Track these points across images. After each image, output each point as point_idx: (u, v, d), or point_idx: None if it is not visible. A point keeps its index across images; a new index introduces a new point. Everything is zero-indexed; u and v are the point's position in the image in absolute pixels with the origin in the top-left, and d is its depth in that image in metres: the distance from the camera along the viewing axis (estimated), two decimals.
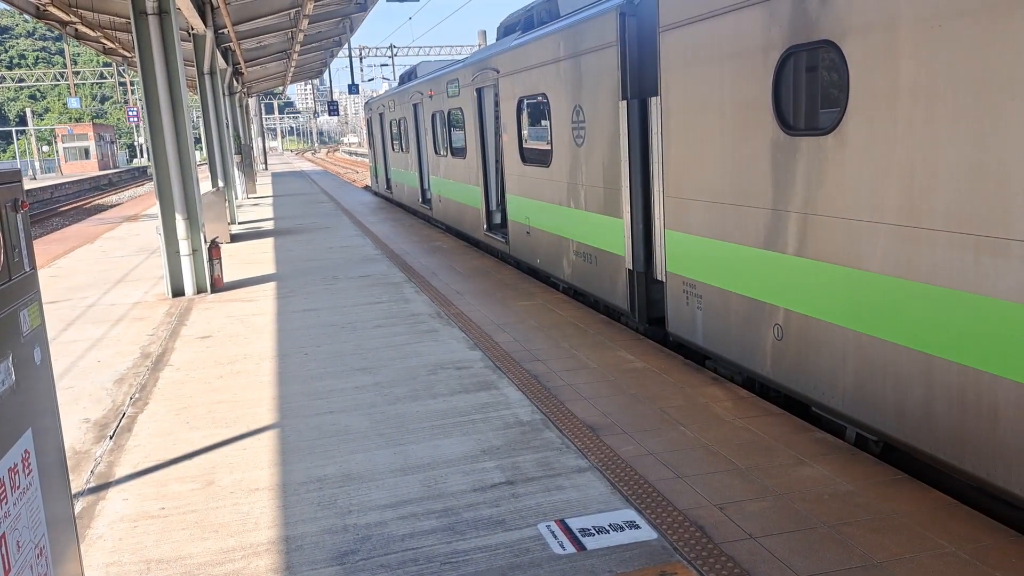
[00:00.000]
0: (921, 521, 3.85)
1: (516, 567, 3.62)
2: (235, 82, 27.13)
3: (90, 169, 70.47)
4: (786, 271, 5.23)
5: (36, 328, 3.04)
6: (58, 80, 77.06)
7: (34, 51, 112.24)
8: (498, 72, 11.08)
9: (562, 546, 3.77)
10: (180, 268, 10.59)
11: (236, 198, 23.44)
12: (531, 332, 7.74)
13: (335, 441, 5.25)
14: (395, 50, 63.17)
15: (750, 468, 4.53)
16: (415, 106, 17.64)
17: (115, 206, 34.11)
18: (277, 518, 4.23)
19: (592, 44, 7.88)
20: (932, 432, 4.15)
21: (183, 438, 5.52)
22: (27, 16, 15.39)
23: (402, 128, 19.62)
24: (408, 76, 20.11)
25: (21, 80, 79.72)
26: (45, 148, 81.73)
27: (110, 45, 19.93)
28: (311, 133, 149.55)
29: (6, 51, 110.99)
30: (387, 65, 65.19)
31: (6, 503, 2.63)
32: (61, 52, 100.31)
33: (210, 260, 10.72)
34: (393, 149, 21.66)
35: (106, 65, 73.25)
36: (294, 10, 19.29)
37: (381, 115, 22.92)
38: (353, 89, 51.65)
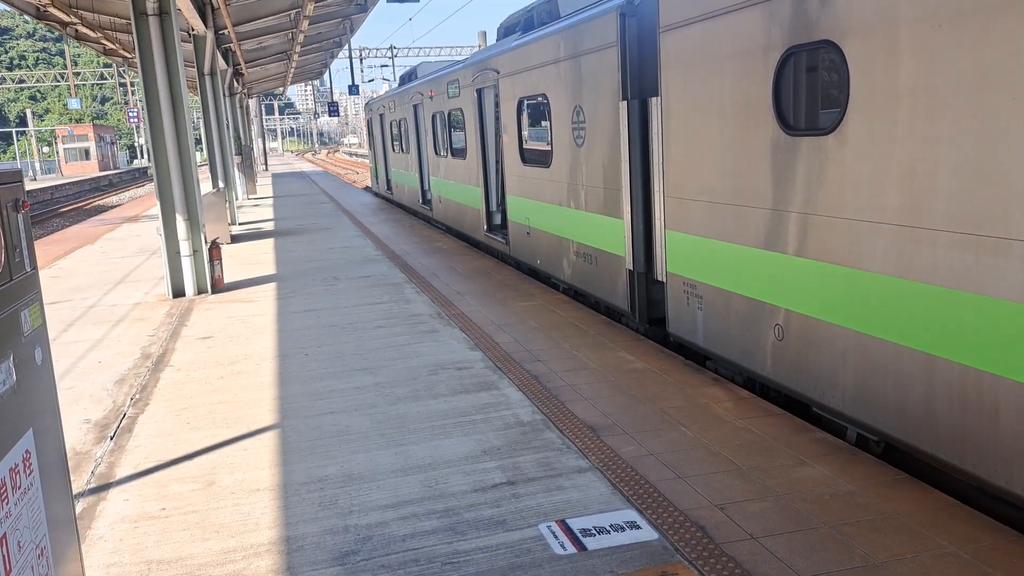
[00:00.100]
0: (922, 521, 3.85)
1: (517, 567, 3.62)
2: (235, 83, 27.15)
3: (90, 170, 70.47)
4: (787, 271, 5.23)
5: (37, 328, 3.05)
6: (58, 81, 77.10)
7: (34, 52, 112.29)
8: (498, 73, 11.08)
9: (563, 546, 3.77)
10: (181, 269, 10.59)
11: (236, 199, 23.45)
12: (531, 333, 7.74)
13: (336, 441, 5.25)
14: (395, 51, 63.22)
15: (751, 468, 4.53)
16: (415, 107, 17.65)
17: (115, 207, 34.12)
18: (278, 519, 4.23)
19: (592, 44, 7.88)
20: (933, 432, 4.15)
21: (184, 439, 5.52)
22: (27, 17, 15.41)
23: (402, 129, 19.63)
24: (408, 77, 20.11)
25: (21, 81, 79.76)
26: (45, 149, 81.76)
27: (110, 46, 19.94)
28: (311, 134, 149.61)
29: (6, 52, 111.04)
30: (387, 66, 65.17)
31: (7, 503, 2.63)
32: (61, 53, 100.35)
33: (211, 261, 10.72)
34: (393, 150, 21.66)
35: (106, 66, 73.28)
36: (294, 11, 19.30)
37: (381, 116, 22.92)
38: (353, 90, 51.66)
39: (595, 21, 7.79)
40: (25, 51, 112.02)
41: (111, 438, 5.62)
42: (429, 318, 8.55)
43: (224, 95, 21.81)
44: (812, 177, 4.88)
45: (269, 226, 18.61)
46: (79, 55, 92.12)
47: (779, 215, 5.24)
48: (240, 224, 19.43)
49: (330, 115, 58.05)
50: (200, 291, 10.70)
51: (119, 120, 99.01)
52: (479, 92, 12.42)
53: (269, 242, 15.70)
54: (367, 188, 32.61)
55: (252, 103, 46.49)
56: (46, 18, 15.62)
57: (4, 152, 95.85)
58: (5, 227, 2.83)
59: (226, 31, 19.01)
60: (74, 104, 61.67)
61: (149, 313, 9.77)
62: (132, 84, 70.37)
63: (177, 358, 7.62)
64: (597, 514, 4.07)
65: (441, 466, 4.77)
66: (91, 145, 72.59)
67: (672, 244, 6.73)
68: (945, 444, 4.08)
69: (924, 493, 4.13)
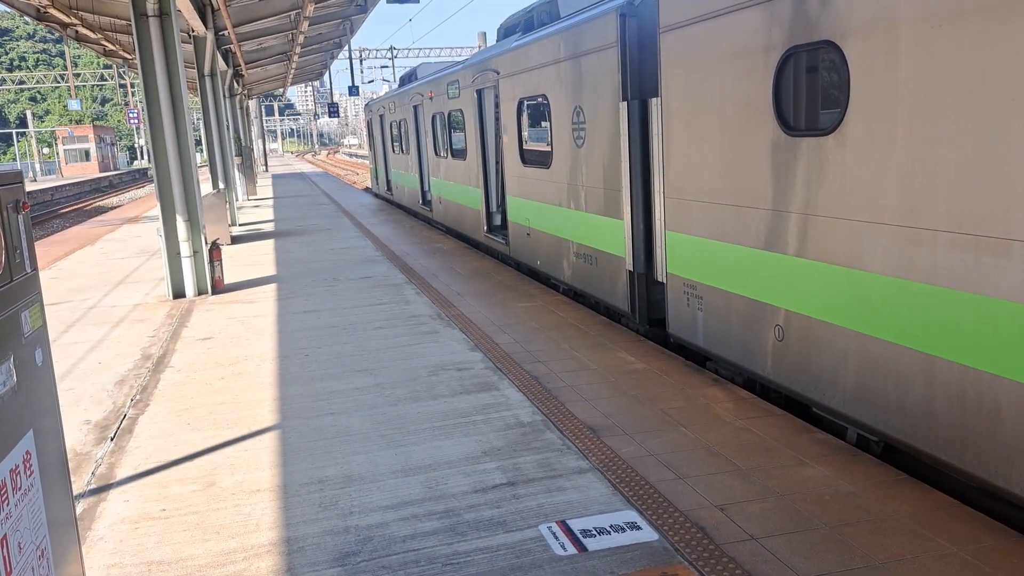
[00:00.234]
0: (922, 522, 3.85)
1: (517, 568, 3.62)
2: (235, 84, 27.15)
3: (91, 171, 70.50)
4: (787, 272, 5.23)
5: (37, 329, 3.05)
6: (58, 82, 77.10)
7: (35, 53, 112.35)
8: (498, 73, 11.08)
9: (563, 547, 3.77)
10: (181, 270, 10.60)
11: (237, 200, 23.46)
12: (531, 333, 7.74)
13: (336, 442, 5.25)
14: (395, 52, 63.22)
15: (751, 469, 4.53)
16: (415, 108, 17.65)
17: (116, 208, 34.12)
18: (278, 519, 4.23)
19: (592, 45, 7.88)
20: (933, 432, 4.15)
21: (184, 439, 5.52)
22: (28, 18, 15.41)
23: (402, 130, 19.63)
24: (408, 78, 20.12)
25: (22, 82, 79.76)
26: (46, 150, 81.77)
27: (111, 47, 19.95)
28: (311, 135, 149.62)
29: (7, 53, 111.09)
30: (387, 67, 65.19)
31: (8, 504, 2.63)
32: (62, 54, 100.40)
33: (211, 262, 10.72)
34: (393, 151, 21.67)
35: (106, 67, 73.29)
36: (294, 12, 19.30)
37: (381, 117, 22.93)
38: (353, 91, 51.70)
39: (595, 22, 7.79)
40: (25, 52, 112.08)
41: (111, 439, 5.62)
42: (429, 319, 8.55)
43: (224, 96, 21.82)
44: (812, 177, 4.89)
45: (269, 227, 18.62)
46: (79, 56, 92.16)
47: (779, 216, 5.24)
48: (240, 225, 19.44)
49: (330, 116, 58.07)
50: (200, 292, 10.70)
51: (119, 121, 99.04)
52: (479, 93, 12.42)
53: (269, 243, 15.71)
54: (367, 189, 32.62)
55: (252, 104, 46.51)
56: (46, 19, 15.63)
57: (4, 153, 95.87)
58: (5, 228, 2.83)
59: (226, 32, 19.02)
60: (74, 105, 61.65)
61: (149, 314, 9.78)
62: (132, 85, 70.37)
63: (177, 359, 7.62)
64: (597, 515, 4.07)
65: (441, 467, 4.77)
66: (91, 146, 72.61)
67: (672, 245, 6.73)
68: (945, 444, 4.08)
69: (924, 493, 4.13)
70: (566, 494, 4.32)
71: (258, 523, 4.21)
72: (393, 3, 26.29)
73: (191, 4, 14.43)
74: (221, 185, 18.87)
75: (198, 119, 20.79)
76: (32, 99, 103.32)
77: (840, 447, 4.76)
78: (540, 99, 9.58)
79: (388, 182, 23.28)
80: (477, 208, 13.31)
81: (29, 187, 47.85)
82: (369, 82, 70.62)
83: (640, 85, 7.31)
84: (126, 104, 76.21)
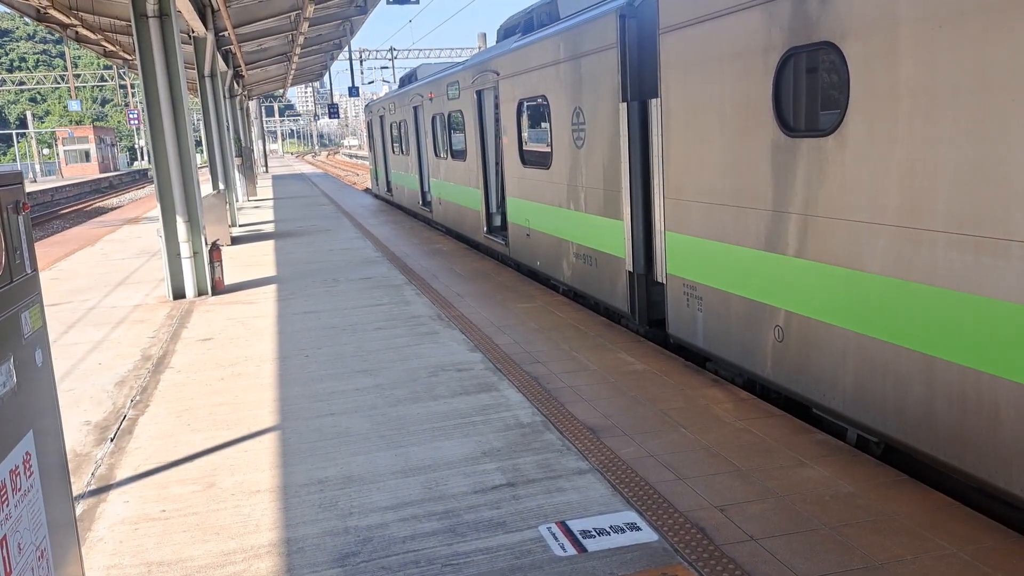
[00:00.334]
0: (922, 522, 3.85)
1: (517, 569, 3.62)
2: (236, 85, 27.16)
3: (91, 172, 70.50)
4: (787, 272, 5.23)
5: (37, 330, 3.05)
6: (59, 83, 77.11)
7: (35, 54, 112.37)
8: (498, 74, 11.09)
9: (563, 548, 3.77)
10: (181, 270, 10.60)
11: (237, 200, 23.45)
12: (531, 334, 7.74)
13: (336, 443, 5.25)
14: (395, 52, 63.19)
15: (751, 470, 4.53)
16: (415, 108, 17.66)
17: (116, 209, 34.13)
18: (278, 520, 4.23)
19: (592, 46, 7.88)
20: (933, 433, 4.15)
21: (184, 440, 5.52)
22: (28, 19, 15.42)
23: (402, 131, 19.63)
24: (408, 79, 20.12)
25: (22, 83, 79.77)
26: (46, 151, 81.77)
27: (111, 48, 19.96)
28: (311, 136, 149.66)
29: (7, 54, 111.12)
30: (387, 68, 65.18)
31: (7, 505, 2.63)
32: (62, 55, 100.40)
33: (211, 262, 10.72)
34: (393, 152, 21.67)
35: (107, 68, 73.31)
36: (294, 13, 19.31)
37: (381, 118, 22.93)
38: (353, 92, 51.70)
39: (595, 23, 7.80)
40: (25, 53, 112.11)
41: (111, 440, 5.62)
42: (429, 320, 8.56)
43: (224, 97, 21.82)
44: (812, 178, 4.89)
45: (269, 228, 18.62)
46: (79, 57, 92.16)
47: (779, 216, 5.24)
48: (240, 226, 19.44)
49: (330, 117, 58.07)
50: (200, 293, 10.70)
51: (119, 122, 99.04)
52: (479, 94, 12.43)
53: (269, 244, 15.71)
54: (367, 190, 32.62)
55: (252, 105, 46.52)
56: (46, 20, 15.63)
57: (4, 154, 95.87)
58: (5, 229, 2.83)
59: (226, 33, 19.03)
60: (74, 106, 61.69)
61: (149, 315, 9.78)
62: (132, 86, 70.39)
63: (177, 360, 7.62)
64: (597, 515, 4.07)
65: (441, 468, 4.77)
66: (91, 147, 72.62)
67: (672, 245, 6.73)
68: (944, 445, 4.08)
69: (924, 494, 4.13)
70: (566, 495, 4.32)
71: (258, 524, 4.21)
72: (393, 4, 26.31)
73: (191, 5, 14.44)
74: (221, 186, 18.87)
75: (198, 120, 20.80)
76: (32, 100, 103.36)
77: (840, 448, 4.76)
78: (540, 100, 9.58)
79: (388, 183, 23.28)
80: (477, 209, 13.31)
81: (29, 188, 47.86)
82: (369, 83, 70.67)
83: (640, 86, 7.32)
84: (126, 105, 76.24)
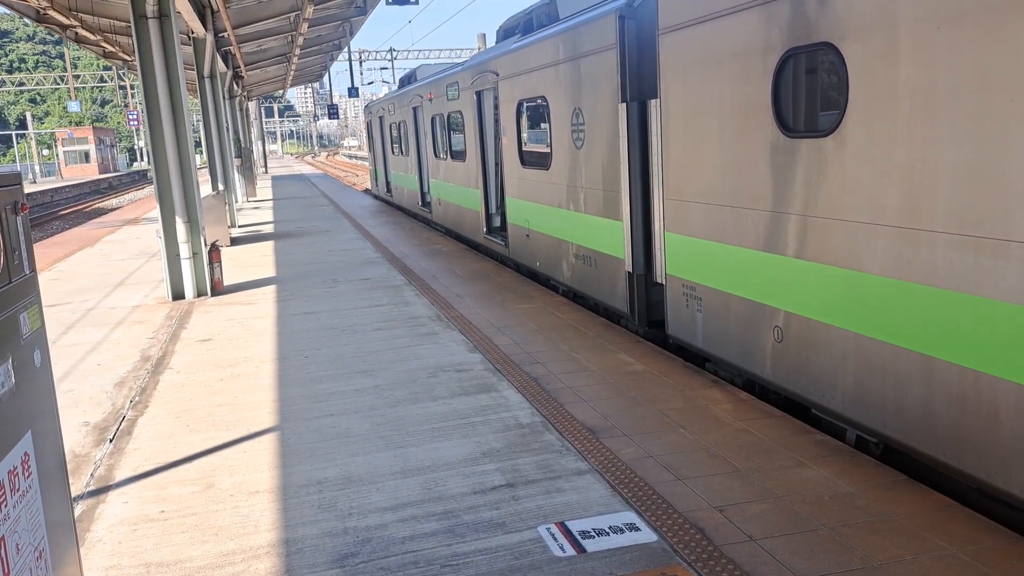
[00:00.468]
0: (921, 523, 3.85)
1: (516, 569, 3.62)
2: (235, 86, 27.17)
3: (90, 173, 70.49)
4: (786, 273, 5.23)
5: (36, 331, 3.05)
6: (58, 84, 77.12)
7: (34, 55, 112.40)
8: (497, 75, 11.09)
9: (562, 548, 3.77)
10: (180, 271, 10.59)
11: (236, 201, 23.46)
12: (531, 335, 7.74)
13: (335, 444, 5.25)
14: (395, 53, 63.20)
15: (750, 470, 4.53)
16: (415, 109, 17.66)
17: (115, 209, 34.12)
18: (277, 521, 4.23)
19: (591, 47, 7.89)
20: (932, 433, 4.15)
21: (183, 441, 5.52)
22: (27, 20, 15.43)
23: (402, 131, 19.64)
24: (408, 79, 20.13)
25: (21, 84, 79.78)
26: (45, 152, 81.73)
27: (110, 49, 19.97)
28: (311, 136, 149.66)
29: (6, 55, 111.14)
30: (387, 68, 65.20)
31: (6, 506, 2.63)
32: (61, 56, 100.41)
33: (210, 263, 10.72)
34: (393, 152, 21.67)
35: (106, 69, 73.32)
36: (294, 14, 19.32)
37: (381, 118, 22.94)
38: (353, 92, 51.71)
39: (594, 23, 7.80)
40: (25, 54, 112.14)
41: (110, 440, 5.62)
42: (428, 320, 8.55)
43: (224, 98, 21.83)
44: (811, 179, 4.89)
45: (269, 228, 18.62)
46: (79, 58, 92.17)
47: (778, 217, 5.24)
48: (240, 226, 19.44)
49: (330, 118, 58.07)
50: (200, 293, 10.70)
51: (119, 123, 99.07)
52: (478, 95, 12.43)
53: (269, 244, 15.71)
54: (366, 191, 32.63)
55: (252, 106, 46.52)
56: (46, 21, 15.64)
57: (4, 155, 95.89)
58: (4, 230, 2.83)
59: (226, 34, 19.03)
60: (74, 107, 61.67)
61: (149, 316, 9.77)
62: (132, 87, 70.41)
63: (177, 360, 7.62)
64: (596, 516, 4.07)
65: (440, 468, 4.77)
66: (91, 148, 72.61)
67: (671, 246, 6.73)
68: (944, 445, 4.08)
69: (923, 494, 4.13)
70: (565, 495, 4.32)
71: (257, 524, 4.21)
72: (393, 4, 26.31)
73: (190, 6, 14.44)
74: (221, 187, 18.87)
75: (198, 121, 20.80)
76: (32, 101, 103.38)
77: (839, 448, 4.76)
78: (539, 101, 9.59)
79: (388, 184, 23.28)
80: (476, 210, 13.31)
81: (29, 189, 47.85)
82: (369, 84, 70.70)
83: (639, 87, 7.32)
84: (126, 106, 76.25)
